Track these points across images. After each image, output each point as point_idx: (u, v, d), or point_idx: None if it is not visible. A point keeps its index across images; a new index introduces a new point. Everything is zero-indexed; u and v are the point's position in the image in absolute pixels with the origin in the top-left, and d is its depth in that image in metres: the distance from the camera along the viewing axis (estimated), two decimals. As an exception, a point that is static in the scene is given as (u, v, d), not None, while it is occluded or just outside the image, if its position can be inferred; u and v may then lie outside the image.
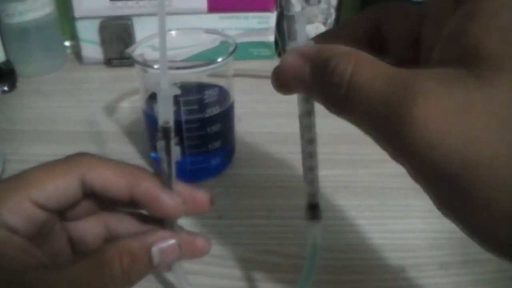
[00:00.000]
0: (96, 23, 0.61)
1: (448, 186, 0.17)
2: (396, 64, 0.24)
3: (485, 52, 0.16)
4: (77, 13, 0.60)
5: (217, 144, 0.41)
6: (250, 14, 0.62)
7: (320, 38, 0.25)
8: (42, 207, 0.23)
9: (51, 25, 0.61)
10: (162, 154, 0.24)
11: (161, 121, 0.23)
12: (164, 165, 0.24)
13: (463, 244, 0.35)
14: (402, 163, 0.18)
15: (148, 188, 0.24)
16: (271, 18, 0.62)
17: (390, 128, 0.18)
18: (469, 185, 0.16)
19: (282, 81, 0.22)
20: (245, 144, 0.47)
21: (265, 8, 0.61)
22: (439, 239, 0.36)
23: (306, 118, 0.24)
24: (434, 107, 0.16)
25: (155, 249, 0.24)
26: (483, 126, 0.16)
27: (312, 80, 0.20)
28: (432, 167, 0.17)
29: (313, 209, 0.26)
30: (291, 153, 0.45)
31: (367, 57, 0.19)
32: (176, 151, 0.24)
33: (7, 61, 0.58)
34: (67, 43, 0.67)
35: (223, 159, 0.43)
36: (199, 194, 0.26)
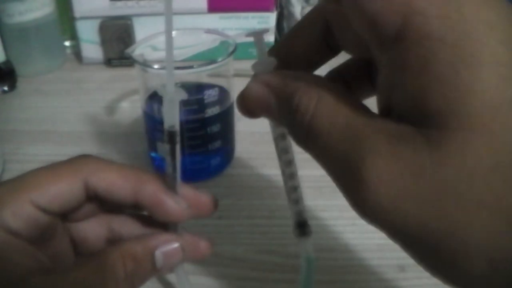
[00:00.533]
0: (96, 23, 0.60)
1: (412, 248, 0.16)
2: (354, 59, 0.22)
3: (427, 109, 0.15)
4: (77, 13, 0.60)
5: (217, 144, 0.41)
6: (250, 14, 0.62)
7: (280, 47, 0.24)
8: (44, 210, 0.23)
9: (51, 25, 0.61)
10: (168, 158, 0.24)
11: (166, 125, 0.23)
12: (169, 169, 0.24)
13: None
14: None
15: (153, 192, 0.24)
16: (271, 18, 0.62)
17: (345, 184, 0.17)
18: (432, 249, 0.15)
19: (248, 108, 0.22)
20: (245, 144, 0.47)
21: (265, 8, 0.61)
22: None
23: (281, 141, 0.24)
24: (383, 170, 0.16)
25: (158, 253, 0.23)
26: (434, 192, 0.15)
27: (278, 111, 0.20)
28: (390, 231, 0.16)
29: (302, 227, 0.25)
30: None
31: (329, 97, 0.18)
32: (178, 156, 0.24)
33: (7, 61, 0.58)
34: (67, 43, 0.67)
35: (223, 159, 0.43)
36: (204, 198, 0.26)
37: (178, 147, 0.24)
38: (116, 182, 0.24)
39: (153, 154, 0.44)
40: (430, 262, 0.16)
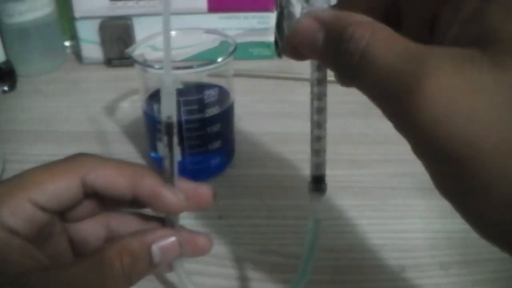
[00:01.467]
0: (96, 23, 0.61)
1: (448, 166, 0.17)
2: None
3: (502, 35, 0.16)
4: (77, 13, 0.60)
5: (217, 144, 0.41)
6: (250, 14, 0.62)
7: (339, 6, 0.24)
8: (42, 208, 0.23)
9: (51, 25, 0.61)
10: (165, 150, 0.24)
11: (164, 116, 0.23)
12: (167, 162, 0.24)
13: (463, 244, 0.35)
14: (405, 137, 0.18)
15: (151, 185, 0.24)
16: (271, 18, 0.62)
17: (398, 101, 0.17)
18: (470, 167, 0.16)
19: (294, 45, 0.21)
20: (245, 144, 0.47)
21: (265, 8, 0.61)
22: (439, 239, 0.36)
23: (317, 86, 0.23)
24: (444, 86, 0.16)
25: (155, 248, 0.24)
26: (491, 110, 0.16)
27: (325, 46, 0.20)
28: (434, 145, 0.17)
29: (318, 182, 0.25)
30: (291, 153, 0.45)
31: (384, 29, 0.19)
32: (176, 151, 0.24)
33: (7, 61, 0.58)
34: (67, 43, 0.67)
35: (223, 159, 0.43)
36: (202, 189, 0.26)
37: (175, 139, 0.24)
38: (114, 178, 0.24)
39: (153, 154, 0.44)
40: (461, 185, 0.17)
